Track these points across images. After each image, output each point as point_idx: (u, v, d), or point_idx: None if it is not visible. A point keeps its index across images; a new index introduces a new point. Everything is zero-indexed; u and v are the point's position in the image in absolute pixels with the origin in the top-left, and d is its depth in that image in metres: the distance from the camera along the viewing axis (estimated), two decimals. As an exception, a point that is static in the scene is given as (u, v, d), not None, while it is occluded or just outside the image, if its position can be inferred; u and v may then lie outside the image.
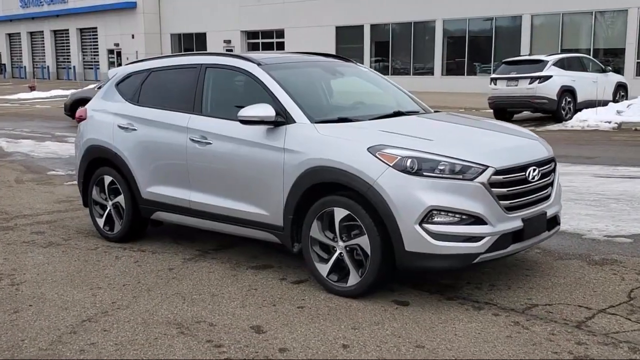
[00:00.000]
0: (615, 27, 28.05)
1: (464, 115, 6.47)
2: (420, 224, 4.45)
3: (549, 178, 5.02)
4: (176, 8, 45.62)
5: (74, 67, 52.00)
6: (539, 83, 18.12)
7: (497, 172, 4.56)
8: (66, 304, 4.87)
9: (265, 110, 5.12)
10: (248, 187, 5.36)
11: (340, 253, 4.84)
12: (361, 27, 35.69)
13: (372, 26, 35.47)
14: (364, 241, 4.68)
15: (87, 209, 6.97)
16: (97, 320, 4.54)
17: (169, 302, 4.86)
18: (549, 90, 18.05)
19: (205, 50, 42.64)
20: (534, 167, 4.82)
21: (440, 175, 4.48)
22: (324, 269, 4.95)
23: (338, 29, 36.68)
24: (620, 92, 20.53)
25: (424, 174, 4.48)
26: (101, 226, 6.66)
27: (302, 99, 5.33)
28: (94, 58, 51.42)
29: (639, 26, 26.95)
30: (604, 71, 20.15)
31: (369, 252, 4.65)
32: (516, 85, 18.52)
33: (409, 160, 4.51)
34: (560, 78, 18.33)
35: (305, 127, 5.08)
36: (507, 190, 4.62)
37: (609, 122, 16.73)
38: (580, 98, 18.67)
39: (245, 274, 5.49)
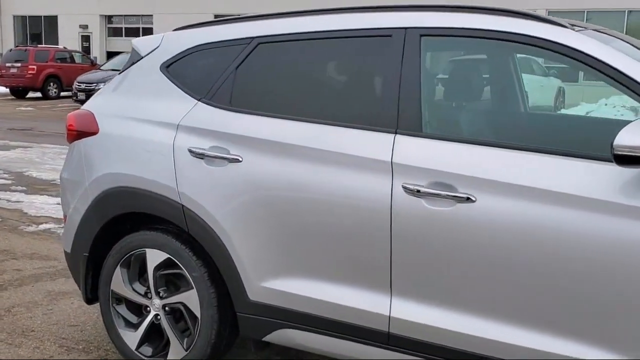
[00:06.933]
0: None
1: None
2: None
3: None
4: (20, -14, 39.65)
5: None
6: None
7: None
8: None
9: None
10: (593, 302, 2.39)
11: None
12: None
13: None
14: None
15: (84, 300, 3.65)
16: None
17: None
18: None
19: (57, 36, 37.31)
20: None
21: None
22: None
23: (217, 17, 33.00)
24: (560, 97, 19.16)
25: None
26: (133, 347, 3.34)
27: None
28: None
29: (546, 29, 26.07)
30: (546, 75, 18.67)
31: None
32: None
33: None
34: (515, 80, 16.58)
35: None
36: None
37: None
38: (531, 102, 17.01)
39: None
